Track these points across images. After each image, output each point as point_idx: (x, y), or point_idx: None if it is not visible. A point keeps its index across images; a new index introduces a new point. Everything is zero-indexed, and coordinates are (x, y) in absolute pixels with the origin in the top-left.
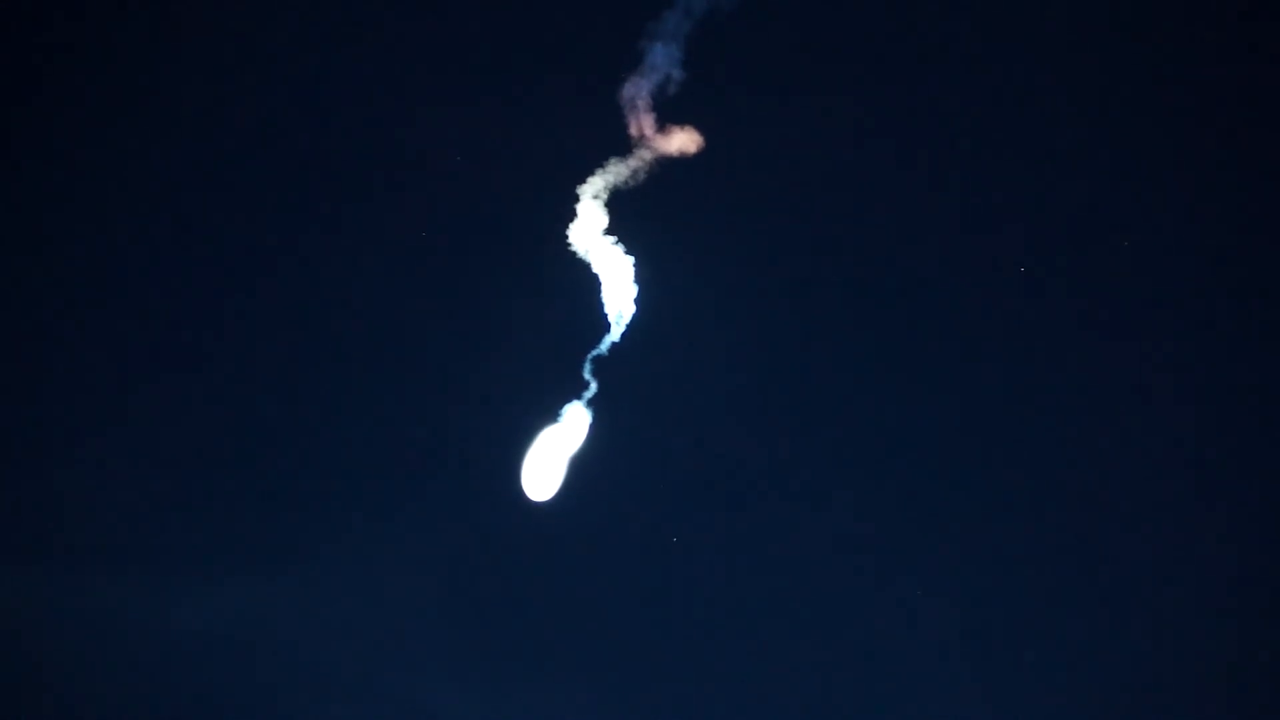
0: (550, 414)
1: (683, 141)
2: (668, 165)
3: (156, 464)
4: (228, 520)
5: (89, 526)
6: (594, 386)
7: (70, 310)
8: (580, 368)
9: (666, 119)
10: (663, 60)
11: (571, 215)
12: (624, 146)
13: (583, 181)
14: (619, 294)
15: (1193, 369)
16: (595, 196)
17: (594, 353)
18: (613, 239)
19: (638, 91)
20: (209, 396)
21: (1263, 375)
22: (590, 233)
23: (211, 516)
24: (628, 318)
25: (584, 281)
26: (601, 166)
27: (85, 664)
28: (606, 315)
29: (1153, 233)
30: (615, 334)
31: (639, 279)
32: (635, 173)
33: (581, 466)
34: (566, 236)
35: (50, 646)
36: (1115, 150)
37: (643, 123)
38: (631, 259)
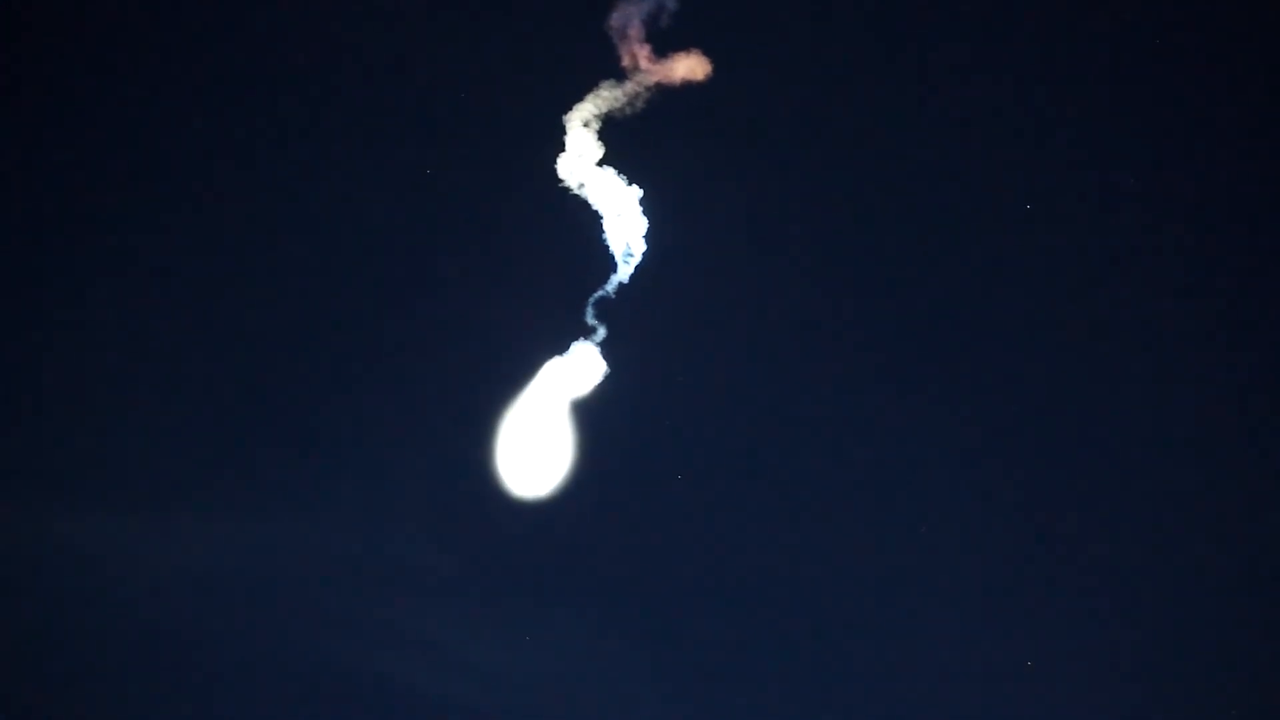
0: (557, 353)
1: (687, 68)
2: (668, 92)
3: (158, 401)
4: (226, 456)
5: (89, 464)
6: (601, 330)
7: (63, 249)
8: (583, 310)
9: (664, 47)
10: None
11: (562, 146)
12: (616, 73)
13: (570, 110)
14: (625, 230)
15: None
16: (585, 124)
17: (598, 294)
18: (613, 170)
19: (628, 20)
20: (210, 332)
21: None
22: (584, 164)
23: (211, 452)
24: (637, 256)
25: (584, 218)
26: (592, 92)
27: (85, 602)
28: (612, 254)
29: (1168, 206)
30: (623, 274)
31: (648, 213)
32: (632, 100)
33: (589, 408)
34: (559, 170)
35: (51, 586)
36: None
37: (636, 52)
38: (638, 191)
